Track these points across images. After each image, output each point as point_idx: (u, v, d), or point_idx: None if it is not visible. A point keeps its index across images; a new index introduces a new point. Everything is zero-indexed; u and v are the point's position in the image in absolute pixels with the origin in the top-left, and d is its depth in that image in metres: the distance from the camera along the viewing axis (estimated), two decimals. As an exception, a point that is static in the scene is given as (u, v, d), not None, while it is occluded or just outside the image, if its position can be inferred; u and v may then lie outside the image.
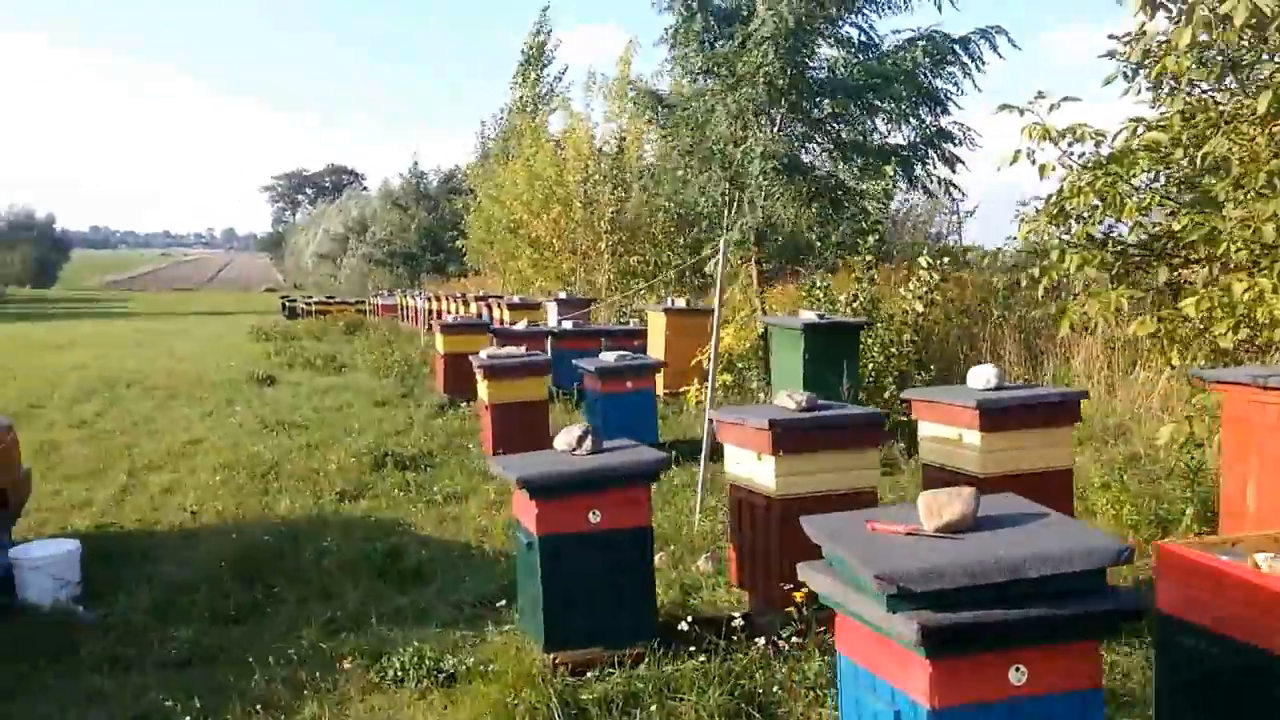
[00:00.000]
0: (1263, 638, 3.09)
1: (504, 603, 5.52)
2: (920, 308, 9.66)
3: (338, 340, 26.16)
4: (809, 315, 8.82)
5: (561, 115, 27.57)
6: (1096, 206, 7.67)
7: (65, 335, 29.03)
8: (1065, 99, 7.51)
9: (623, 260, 20.31)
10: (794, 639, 4.42)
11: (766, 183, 10.59)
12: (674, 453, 8.83)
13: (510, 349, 9.29)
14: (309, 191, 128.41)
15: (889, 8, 11.75)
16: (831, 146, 11.33)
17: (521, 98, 35.01)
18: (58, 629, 5.47)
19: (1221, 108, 7.42)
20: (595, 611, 4.57)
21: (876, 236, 10.19)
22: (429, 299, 27.54)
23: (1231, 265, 6.78)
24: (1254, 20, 6.58)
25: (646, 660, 4.48)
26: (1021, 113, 7.50)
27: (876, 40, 11.82)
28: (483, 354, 9.17)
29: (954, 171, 12.00)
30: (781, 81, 10.65)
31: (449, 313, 22.75)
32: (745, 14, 11.52)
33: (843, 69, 11.03)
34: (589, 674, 4.43)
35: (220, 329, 34.41)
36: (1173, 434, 6.44)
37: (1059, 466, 5.30)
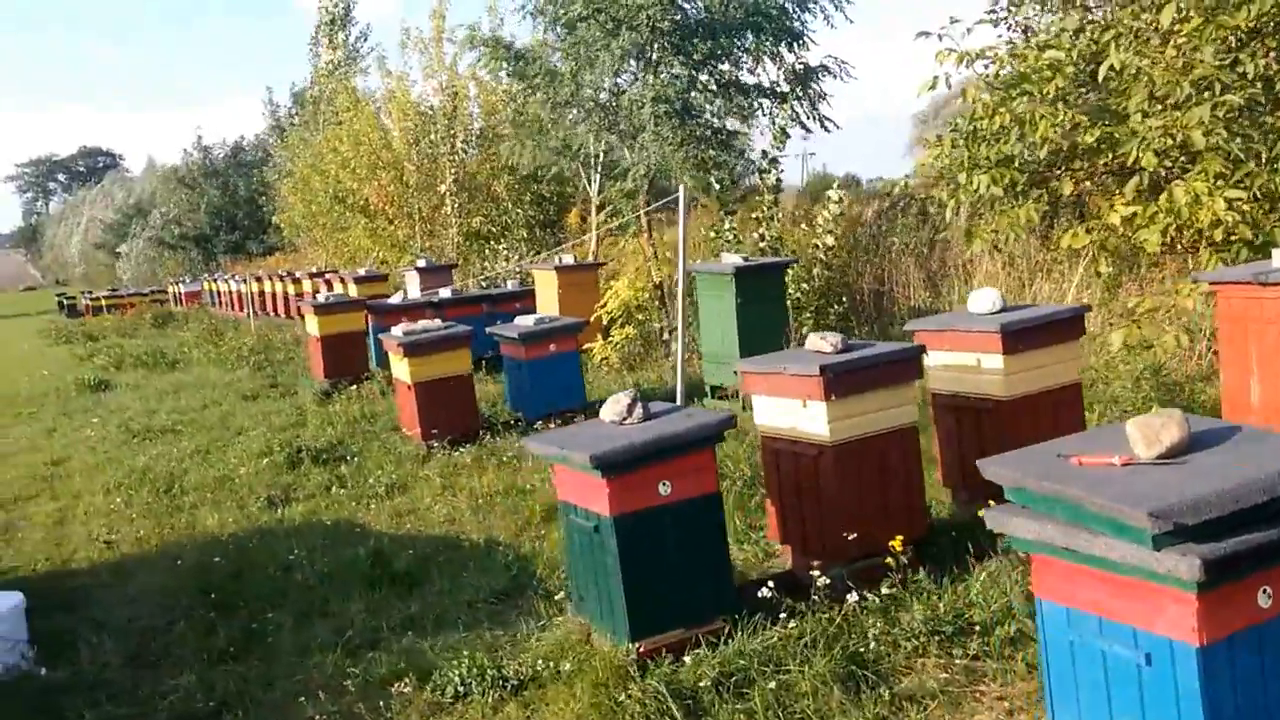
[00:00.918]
0: None
1: (516, 595, 5.26)
2: (831, 241, 9.72)
3: (152, 335, 24.30)
4: (733, 258, 8.70)
5: (376, 76, 26.21)
6: (1007, 128, 7.86)
7: None
8: (980, 21, 7.65)
9: (465, 222, 19.59)
10: (889, 590, 4.33)
11: (658, 128, 10.34)
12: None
13: (425, 322, 8.72)
14: (61, 178, 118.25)
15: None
16: (715, 88, 11.17)
17: (329, 61, 33.07)
18: (25, 698, 4.74)
19: (1118, 23, 7.70)
20: (675, 590, 4.31)
21: (777, 175, 10.18)
22: (246, 281, 25.85)
23: (1163, 175, 7.08)
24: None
25: (737, 634, 4.27)
26: (940, 38, 7.59)
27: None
28: (397, 330, 8.57)
29: (815, 108, 12.07)
30: (665, 23, 10.37)
31: (294, 294, 21.40)
32: None
33: (718, 8, 10.85)
34: (686, 657, 4.18)
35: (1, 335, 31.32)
36: (1124, 338, 6.72)
37: (1071, 381, 5.40)
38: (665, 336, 10.40)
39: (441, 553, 6.08)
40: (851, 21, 11.67)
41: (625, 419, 4.50)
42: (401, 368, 8.51)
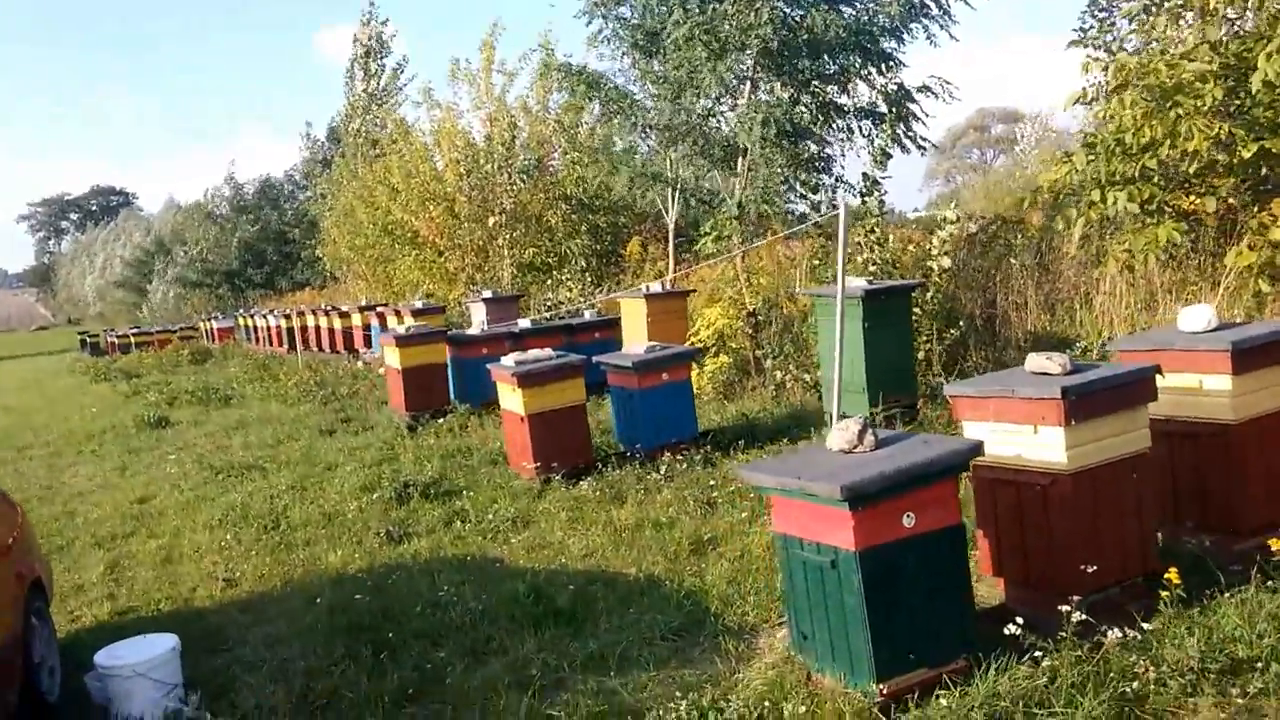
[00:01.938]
0: None
1: (695, 631, 4.98)
2: (947, 263, 9.41)
3: (193, 371, 24.00)
4: (859, 281, 8.40)
5: (420, 108, 26.17)
6: (1159, 140, 7.57)
7: None
8: (1132, 32, 7.39)
9: (519, 254, 19.36)
10: (1146, 625, 3.98)
11: (766, 150, 10.08)
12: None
13: (535, 352, 8.42)
14: (74, 217, 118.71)
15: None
16: (816, 108, 10.92)
17: (366, 92, 32.99)
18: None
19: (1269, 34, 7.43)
20: (918, 627, 3.97)
21: (880, 196, 9.92)
22: (289, 315, 25.62)
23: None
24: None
25: (990, 673, 3.91)
26: (1094, 47, 7.33)
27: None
28: (509, 360, 8.27)
29: (908, 128, 11.82)
30: (773, 43, 10.15)
31: (341, 329, 21.17)
32: None
33: (821, 28, 10.63)
34: (940, 699, 3.83)
35: (30, 375, 31.15)
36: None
37: (1302, 402, 5.04)
38: (767, 364, 10.06)
39: (599, 588, 5.73)
40: (956, 40, 11.44)
41: (855, 446, 4.17)
42: (514, 399, 8.18)
